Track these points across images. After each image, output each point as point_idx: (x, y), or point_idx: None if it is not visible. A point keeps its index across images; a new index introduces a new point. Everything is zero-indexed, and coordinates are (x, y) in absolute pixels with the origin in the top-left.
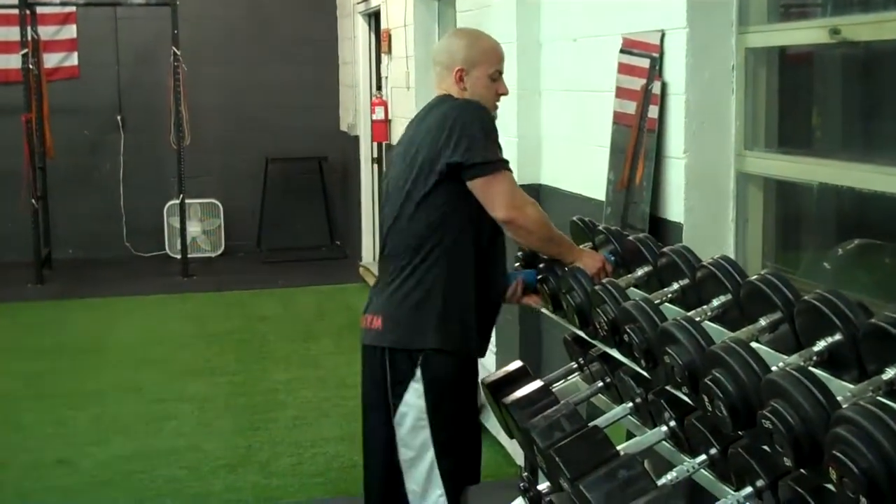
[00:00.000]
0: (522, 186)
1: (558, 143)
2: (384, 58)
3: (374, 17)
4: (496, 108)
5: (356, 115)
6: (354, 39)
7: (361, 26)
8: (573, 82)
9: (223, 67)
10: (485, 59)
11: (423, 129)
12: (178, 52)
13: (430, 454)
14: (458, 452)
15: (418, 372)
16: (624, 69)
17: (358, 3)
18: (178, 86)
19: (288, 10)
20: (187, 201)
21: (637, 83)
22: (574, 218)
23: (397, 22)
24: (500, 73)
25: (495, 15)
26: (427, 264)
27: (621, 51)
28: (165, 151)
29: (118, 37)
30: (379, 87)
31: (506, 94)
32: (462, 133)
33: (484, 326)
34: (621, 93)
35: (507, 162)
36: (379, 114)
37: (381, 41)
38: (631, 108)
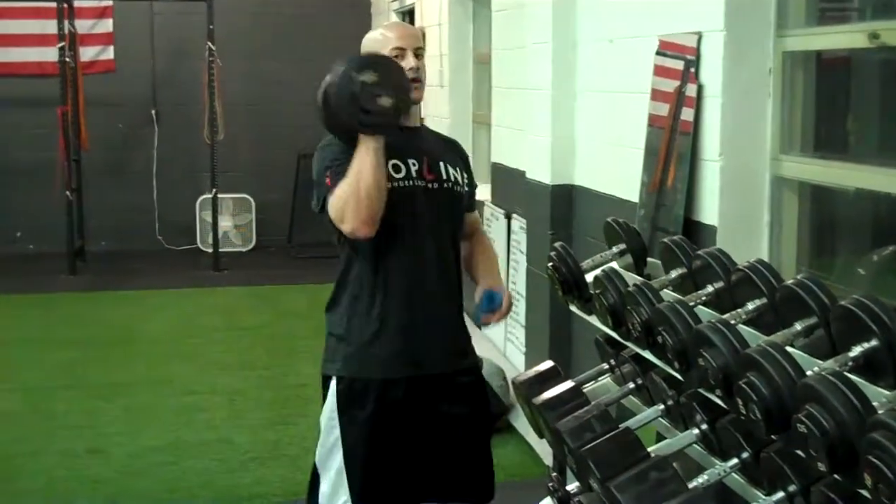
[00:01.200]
0: (556, 187)
1: (592, 145)
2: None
3: (408, 16)
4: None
5: None
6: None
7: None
8: (608, 83)
9: (257, 63)
10: (382, 44)
11: None
12: (214, 48)
13: (339, 457)
14: (370, 461)
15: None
16: (660, 71)
17: (392, 1)
18: (212, 81)
19: (322, 7)
20: (219, 196)
21: (672, 85)
22: (608, 219)
23: (432, 20)
24: (402, 49)
25: (530, 15)
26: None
27: (657, 52)
28: (199, 146)
29: (154, 31)
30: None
31: (412, 67)
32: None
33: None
34: (656, 95)
35: (329, 171)
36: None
37: None
38: (665, 110)
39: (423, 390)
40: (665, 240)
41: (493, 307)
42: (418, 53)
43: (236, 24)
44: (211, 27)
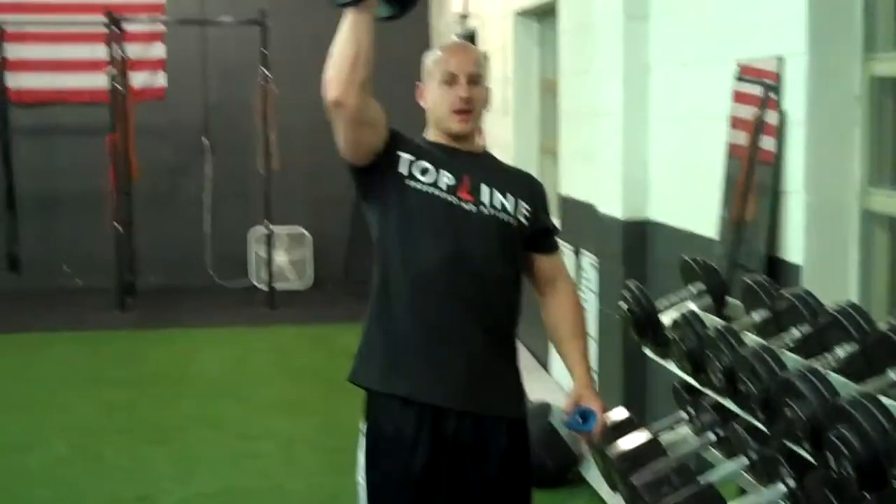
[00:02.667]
0: (628, 222)
1: (667, 176)
2: None
3: (469, 40)
4: (453, 118)
5: None
6: None
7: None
8: (683, 110)
9: (313, 90)
10: (432, 69)
11: None
12: (268, 73)
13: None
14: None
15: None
16: (739, 97)
17: (453, 23)
18: (266, 108)
19: (379, 31)
20: (274, 229)
21: (752, 112)
22: (685, 257)
23: (495, 43)
24: (453, 75)
25: (600, 37)
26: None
27: (736, 77)
28: (252, 176)
29: (206, 56)
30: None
31: (462, 96)
32: None
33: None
34: (735, 122)
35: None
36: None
37: None
38: (745, 139)
39: (449, 443)
40: (746, 279)
41: (585, 429)
42: (474, 80)
43: (292, 49)
44: (265, 52)
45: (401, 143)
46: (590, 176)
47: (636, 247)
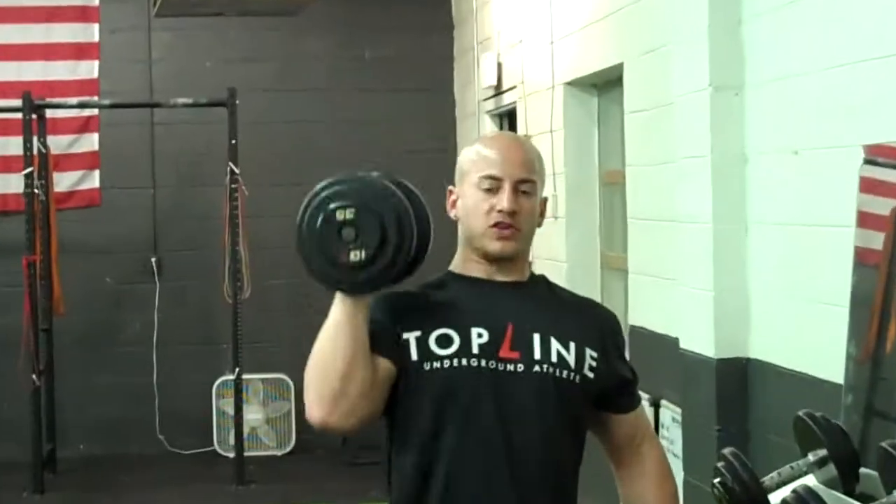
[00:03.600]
0: (723, 361)
1: (773, 300)
2: None
3: (507, 119)
4: (493, 237)
5: None
6: None
7: (491, 130)
8: (794, 211)
9: (298, 190)
10: (469, 168)
11: None
12: (237, 170)
13: None
14: None
15: None
16: (869, 185)
17: (485, 100)
18: (235, 216)
19: (387, 111)
20: (246, 377)
21: (889, 206)
22: (799, 413)
23: (540, 125)
24: (497, 179)
25: (680, 117)
26: None
27: (865, 161)
28: (216, 307)
29: (155, 149)
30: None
31: (504, 208)
32: None
33: None
34: (866, 219)
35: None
36: None
37: None
38: (880, 241)
39: None
40: (885, 444)
41: None
42: (524, 188)
43: (269, 137)
44: (233, 142)
45: (402, 320)
46: (670, 300)
47: (733, 395)
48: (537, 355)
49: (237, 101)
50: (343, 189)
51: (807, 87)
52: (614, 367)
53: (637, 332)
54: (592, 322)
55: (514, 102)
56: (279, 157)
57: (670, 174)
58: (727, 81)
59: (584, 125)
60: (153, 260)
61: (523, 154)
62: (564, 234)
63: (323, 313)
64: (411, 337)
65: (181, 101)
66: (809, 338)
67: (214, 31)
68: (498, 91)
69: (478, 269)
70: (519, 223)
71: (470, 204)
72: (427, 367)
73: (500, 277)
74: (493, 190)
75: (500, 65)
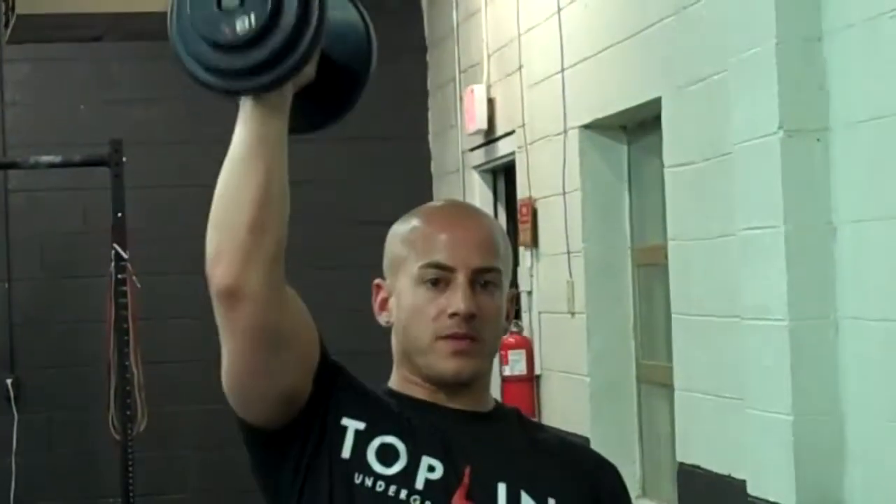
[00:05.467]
0: None
1: (876, 425)
2: (524, 254)
3: (502, 177)
4: (444, 351)
5: None
6: None
7: (480, 194)
8: None
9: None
10: (402, 255)
11: None
12: (125, 255)
13: None
14: None
15: None
16: None
17: (471, 151)
18: (123, 319)
19: (335, 168)
20: None
21: None
22: None
23: (549, 185)
24: (447, 270)
25: (742, 172)
26: None
27: None
28: (99, 445)
29: (9, 226)
30: (517, 315)
31: (460, 311)
32: None
33: None
34: None
35: None
36: (517, 365)
37: (516, 222)
38: None
39: None
40: None
41: None
42: (485, 280)
43: (169, 207)
44: (120, 215)
45: (347, 395)
46: (733, 428)
47: None
48: None
49: (124, 159)
50: None
51: None
52: None
53: (687, 471)
54: (582, 474)
55: (513, 153)
56: (183, 235)
57: (730, 251)
58: (805, 123)
59: (610, 184)
60: (8, 382)
61: (483, 232)
62: (585, 336)
63: (244, 454)
64: (351, 426)
65: (45, 159)
66: None
67: (92, 63)
68: (489, 139)
69: (422, 391)
70: (480, 331)
71: (408, 305)
72: (358, 481)
73: (453, 405)
74: (440, 285)
75: (491, 101)
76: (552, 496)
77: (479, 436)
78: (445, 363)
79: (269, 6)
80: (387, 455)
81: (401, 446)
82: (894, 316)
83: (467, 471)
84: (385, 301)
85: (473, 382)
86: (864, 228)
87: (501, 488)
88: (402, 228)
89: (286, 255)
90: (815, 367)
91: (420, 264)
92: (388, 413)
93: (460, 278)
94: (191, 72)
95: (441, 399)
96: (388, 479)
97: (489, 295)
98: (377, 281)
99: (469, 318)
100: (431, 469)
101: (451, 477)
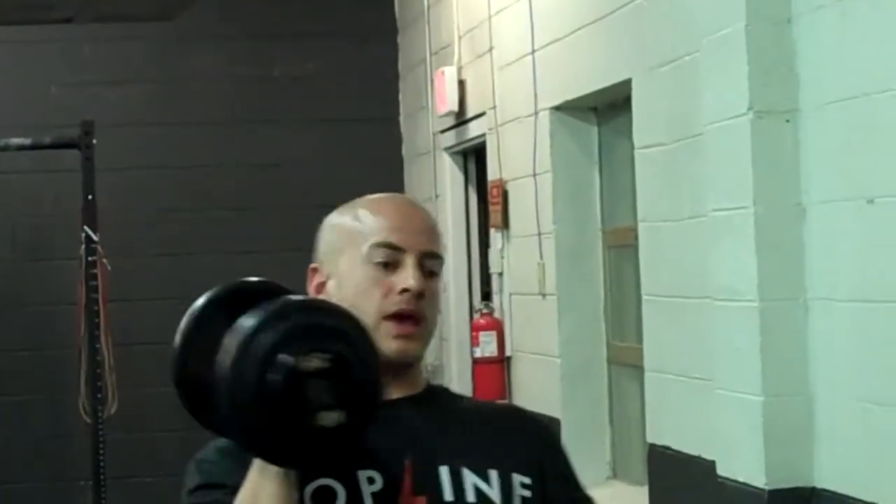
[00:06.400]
0: (777, 493)
1: (845, 406)
2: (495, 236)
3: (473, 159)
4: (389, 329)
5: (444, 348)
6: (439, 200)
7: (451, 176)
8: (870, 282)
9: (181, 265)
10: (348, 238)
11: None
12: (96, 237)
13: None
14: None
15: None
16: None
17: (442, 133)
18: (94, 301)
19: (305, 150)
20: None
21: None
22: None
23: (519, 167)
24: (398, 250)
25: (712, 154)
26: None
27: None
28: (69, 429)
29: None
30: (487, 296)
31: (412, 288)
32: None
33: None
34: None
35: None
36: (487, 346)
37: (487, 204)
38: None
39: None
40: None
41: None
42: (430, 266)
43: (140, 189)
44: (90, 197)
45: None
46: (703, 409)
47: None
48: (448, 496)
49: (94, 141)
50: (299, 323)
51: (888, 110)
52: (559, 493)
53: (657, 453)
54: (518, 437)
55: (483, 135)
56: (155, 216)
57: (700, 233)
58: (775, 104)
59: (580, 165)
60: None
61: (429, 221)
62: (556, 318)
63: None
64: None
65: (14, 141)
66: None
67: (62, 45)
68: (460, 120)
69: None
70: (425, 311)
71: (354, 284)
72: None
73: (390, 394)
74: (390, 266)
75: (462, 83)
76: (493, 467)
77: (414, 420)
78: (390, 343)
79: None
80: (324, 499)
81: (333, 483)
82: (863, 297)
83: (408, 465)
84: (322, 285)
85: (413, 365)
86: (834, 209)
87: (444, 471)
88: (344, 216)
89: (259, 239)
90: (784, 347)
91: (370, 243)
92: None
93: (409, 259)
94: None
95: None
96: None
97: (433, 279)
98: (313, 265)
99: (419, 295)
100: (371, 481)
101: (394, 478)
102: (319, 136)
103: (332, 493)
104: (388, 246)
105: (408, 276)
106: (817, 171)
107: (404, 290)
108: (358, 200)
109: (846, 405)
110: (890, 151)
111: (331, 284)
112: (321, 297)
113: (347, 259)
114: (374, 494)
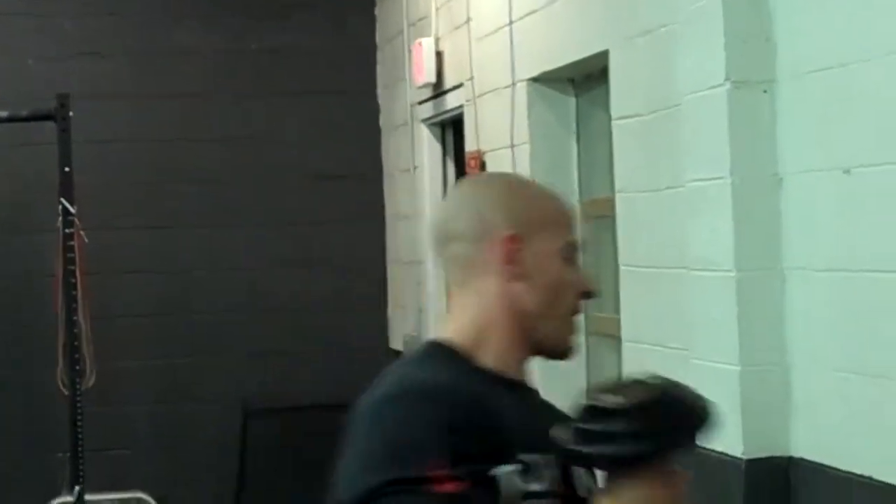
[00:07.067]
0: (754, 463)
1: (822, 375)
2: None
3: (451, 130)
4: (574, 326)
5: (423, 319)
6: (417, 171)
7: (429, 147)
8: (848, 252)
9: (159, 238)
10: (551, 219)
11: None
12: (73, 210)
13: None
14: None
15: None
16: None
17: (420, 104)
18: (71, 273)
19: (284, 122)
20: (90, 498)
21: None
22: None
23: (497, 138)
24: (576, 248)
25: (689, 124)
26: None
27: None
28: (47, 401)
29: None
30: None
31: (591, 291)
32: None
33: None
34: None
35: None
36: None
37: (465, 175)
38: None
39: None
40: None
41: None
42: None
43: (117, 162)
44: (67, 169)
45: (482, 436)
46: (680, 379)
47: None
48: (583, 492)
49: (71, 113)
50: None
51: (865, 80)
52: None
53: None
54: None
55: (461, 107)
56: (132, 189)
57: (677, 203)
58: (752, 74)
59: (558, 137)
60: None
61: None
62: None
63: (198, 400)
64: (500, 473)
65: None
66: (875, 428)
67: (38, 17)
68: (438, 91)
69: (515, 369)
70: None
71: (556, 272)
72: None
73: (521, 376)
74: (573, 263)
75: (439, 55)
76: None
77: (543, 414)
78: (572, 338)
79: None
80: (527, 472)
81: (530, 461)
82: (840, 266)
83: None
84: (515, 255)
85: None
86: (811, 179)
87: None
88: (537, 196)
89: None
90: (761, 317)
91: (569, 239)
92: (500, 424)
93: (579, 262)
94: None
95: (521, 373)
96: (536, 497)
97: None
98: (510, 232)
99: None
100: (549, 469)
101: (558, 475)
102: (297, 109)
103: (533, 470)
104: (576, 247)
105: (591, 280)
106: (794, 141)
107: (589, 294)
108: (525, 181)
109: (823, 375)
110: (867, 121)
111: (528, 258)
112: (511, 268)
113: (545, 242)
114: (553, 477)
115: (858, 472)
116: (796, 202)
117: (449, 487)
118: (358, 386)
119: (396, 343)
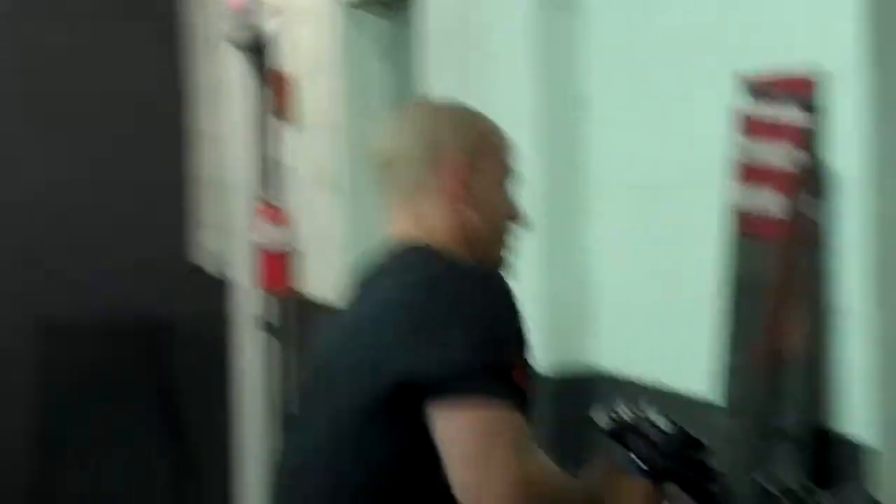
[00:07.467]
0: (559, 381)
1: (620, 291)
2: (284, 129)
3: (256, 55)
4: (510, 247)
5: (227, 237)
6: (225, 91)
7: (238, 67)
8: (648, 167)
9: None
10: (497, 147)
11: (368, 313)
12: None
13: None
14: None
15: None
16: (755, 129)
17: (232, 25)
18: None
19: (94, 50)
20: None
21: (781, 155)
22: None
23: (311, 62)
24: (515, 176)
25: (494, 43)
26: None
27: (751, 93)
28: None
29: None
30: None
31: (525, 217)
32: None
33: None
34: (750, 174)
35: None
36: (270, 235)
37: (279, 98)
38: (774, 202)
39: None
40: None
41: None
42: None
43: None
44: None
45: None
46: None
47: (575, 420)
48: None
49: None
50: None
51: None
52: None
53: None
54: None
55: (275, 29)
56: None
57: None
58: None
59: (371, 60)
60: None
61: None
62: (351, 213)
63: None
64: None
65: None
66: (675, 340)
67: None
68: (251, 14)
69: None
70: None
71: (496, 200)
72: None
73: None
74: (512, 190)
75: None
76: None
77: None
78: (506, 257)
79: None
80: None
81: None
82: (628, 181)
83: None
84: (463, 183)
85: None
86: (612, 103)
87: None
88: (482, 123)
89: (42, 137)
90: (563, 236)
91: (508, 165)
92: None
93: (516, 189)
94: None
95: None
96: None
97: None
98: (465, 159)
99: None
100: None
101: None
102: (110, 32)
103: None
104: (515, 175)
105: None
106: (595, 63)
107: (521, 219)
108: (470, 110)
109: (617, 288)
110: (656, 40)
111: (474, 183)
112: (460, 192)
113: (489, 168)
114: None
115: (647, 379)
116: (599, 121)
117: (520, 379)
118: (160, 301)
119: (199, 260)
